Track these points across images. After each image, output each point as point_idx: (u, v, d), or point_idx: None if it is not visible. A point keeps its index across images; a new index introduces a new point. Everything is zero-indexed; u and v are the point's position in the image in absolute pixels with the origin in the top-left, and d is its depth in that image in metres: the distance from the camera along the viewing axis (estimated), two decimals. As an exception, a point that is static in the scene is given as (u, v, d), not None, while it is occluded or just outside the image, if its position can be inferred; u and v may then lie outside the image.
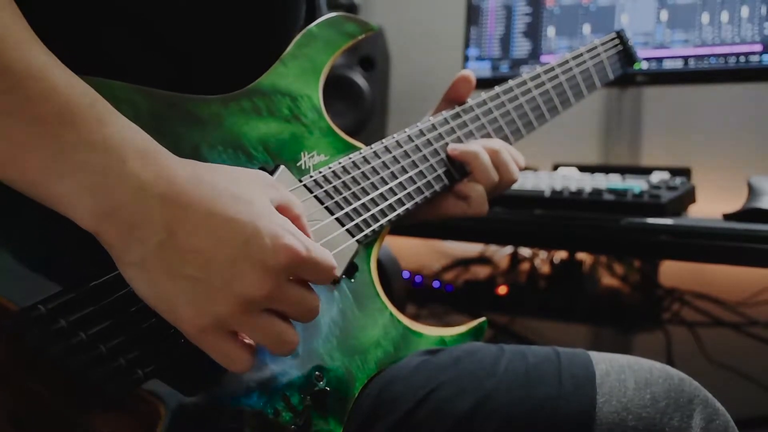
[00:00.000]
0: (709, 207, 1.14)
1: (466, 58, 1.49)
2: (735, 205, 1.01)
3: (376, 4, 1.93)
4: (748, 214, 0.97)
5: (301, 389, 0.57)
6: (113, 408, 0.49)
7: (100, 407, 0.48)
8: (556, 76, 0.91)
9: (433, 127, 0.77)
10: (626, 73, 1.03)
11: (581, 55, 0.95)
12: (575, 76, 0.93)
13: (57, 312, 0.46)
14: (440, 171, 0.76)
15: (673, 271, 1.42)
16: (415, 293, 1.60)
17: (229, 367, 0.50)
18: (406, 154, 0.74)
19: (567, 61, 0.93)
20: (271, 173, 0.62)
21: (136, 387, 0.49)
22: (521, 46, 1.43)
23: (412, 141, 0.75)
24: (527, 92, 0.88)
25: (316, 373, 0.58)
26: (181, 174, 0.49)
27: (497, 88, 0.86)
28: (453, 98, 0.83)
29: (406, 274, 1.56)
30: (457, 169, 0.79)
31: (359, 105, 1.59)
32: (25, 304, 0.46)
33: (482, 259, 1.63)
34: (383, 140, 0.73)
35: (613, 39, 1.00)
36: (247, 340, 0.51)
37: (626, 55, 1.01)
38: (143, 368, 0.49)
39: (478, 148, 0.78)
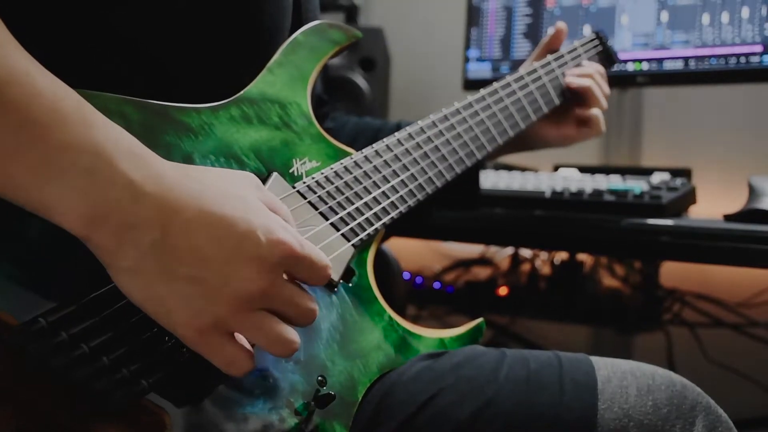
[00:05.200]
0: (710, 208, 1.14)
1: (466, 59, 1.49)
2: (736, 205, 1.01)
3: (377, 5, 1.93)
4: (748, 214, 0.97)
5: (305, 395, 0.57)
6: (118, 419, 0.48)
7: (104, 419, 0.48)
8: (539, 77, 0.94)
9: (422, 131, 0.78)
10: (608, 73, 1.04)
11: (562, 56, 0.98)
12: (557, 77, 0.96)
13: (58, 325, 0.46)
14: (431, 173, 0.77)
15: (673, 272, 1.42)
16: (415, 294, 1.60)
17: (229, 371, 0.49)
18: (397, 158, 0.74)
19: (549, 63, 0.96)
20: (264, 181, 0.62)
21: (140, 398, 0.49)
22: (522, 47, 1.43)
23: (402, 144, 0.75)
24: (512, 94, 0.89)
25: (319, 378, 0.58)
26: (170, 173, 0.48)
27: (482, 91, 0.87)
28: (551, 48, 1.00)
29: (406, 275, 1.56)
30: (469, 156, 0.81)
31: (359, 105, 1.58)
32: (26, 317, 0.46)
33: (483, 260, 1.62)
34: (374, 144, 0.73)
35: (592, 40, 1.03)
36: (246, 345, 0.50)
37: (606, 56, 1.04)
38: (147, 378, 0.48)
39: (591, 81, 0.95)
